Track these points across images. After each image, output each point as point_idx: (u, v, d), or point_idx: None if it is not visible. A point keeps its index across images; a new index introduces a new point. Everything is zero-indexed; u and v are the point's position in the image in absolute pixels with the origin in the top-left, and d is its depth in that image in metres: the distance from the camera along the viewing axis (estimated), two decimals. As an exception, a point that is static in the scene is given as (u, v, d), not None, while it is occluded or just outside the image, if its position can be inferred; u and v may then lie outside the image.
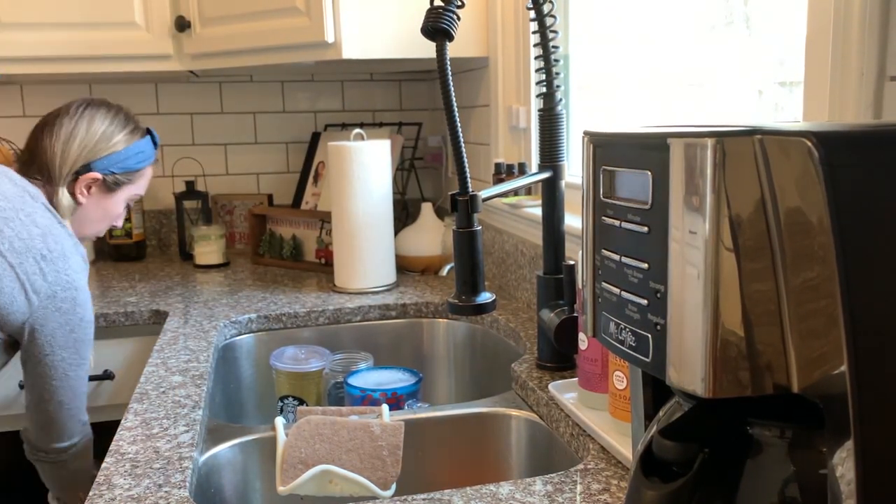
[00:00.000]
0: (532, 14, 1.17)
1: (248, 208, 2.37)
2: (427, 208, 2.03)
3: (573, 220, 1.35)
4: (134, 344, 1.73)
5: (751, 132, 0.48)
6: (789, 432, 0.54)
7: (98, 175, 1.44)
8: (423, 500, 0.87)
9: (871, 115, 0.77)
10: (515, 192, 1.63)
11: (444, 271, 1.85)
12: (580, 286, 1.10)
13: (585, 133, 0.63)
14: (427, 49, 0.89)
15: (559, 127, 1.22)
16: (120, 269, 2.20)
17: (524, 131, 1.75)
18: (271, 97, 2.44)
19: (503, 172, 1.69)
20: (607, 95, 1.59)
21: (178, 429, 1.08)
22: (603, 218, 0.60)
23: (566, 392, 1.13)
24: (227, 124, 2.43)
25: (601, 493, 0.87)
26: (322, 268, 2.08)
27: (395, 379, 1.36)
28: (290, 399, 1.45)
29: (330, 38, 1.72)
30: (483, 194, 1.00)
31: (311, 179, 2.34)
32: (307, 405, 1.45)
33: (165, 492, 0.90)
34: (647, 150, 0.55)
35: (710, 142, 0.48)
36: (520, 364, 1.30)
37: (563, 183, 1.24)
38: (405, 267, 1.98)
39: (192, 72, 2.09)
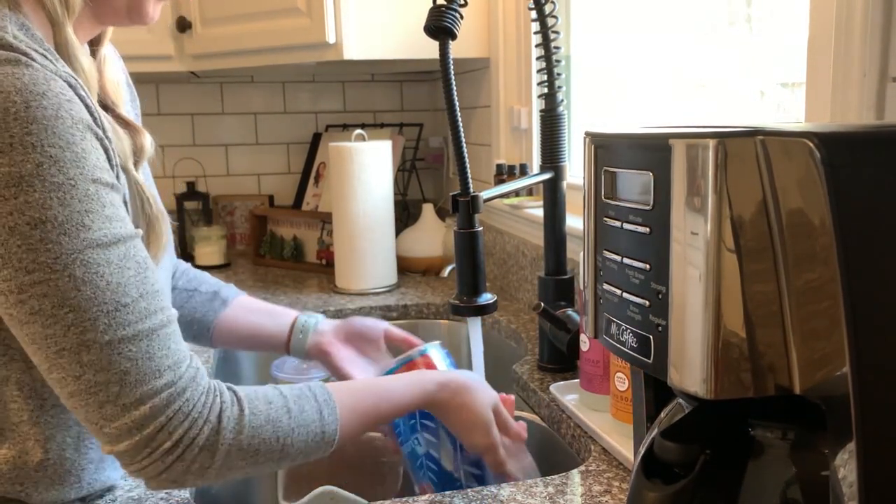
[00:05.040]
0: (533, 14, 1.17)
1: (249, 209, 2.37)
2: (428, 209, 2.03)
3: (574, 221, 1.35)
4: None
5: (752, 133, 0.48)
6: (791, 434, 0.54)
7: None
8: (425, 501, 0.87)
9: (874, 116, 0.77)
10: (517, 193, 1.63)
11: (446, 272, 1.85)
12: (581, 287, 1.10)
13: (587, 134, 0.63)
14: (428, 50, 0.89)
15: (560, 128, 1.22)
16: (121, 269, 2.20)
17: (525, 132, 1.75)
18: (272, 98, 2.44)
19: (504, 173, 1.68)
20: (609, 96, 1.59)
21: (178, 430, 1.08)
22: (604, 219, 0.60)
23: (567, 393, 1.12)
24: (228, 125, 2.43)
25: (603, 495, 0.87)
26: (323, 269, 2.08)
27: None
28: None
29: (331, 39, 1.72)
30: (484, 195, 1.00)
31: (311, 180, 2.34)
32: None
33: (167, 493, 0.90)
34: (649, 151, 0.55)
35: (711, 142, 0.48)
36: (521, 365, 1.30)
37: (564, 184, 1.23)
38: (406, 268, 1.97)
39: (193, 72, 2.09)
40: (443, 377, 0.92)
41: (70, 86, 0.69)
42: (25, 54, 0.67)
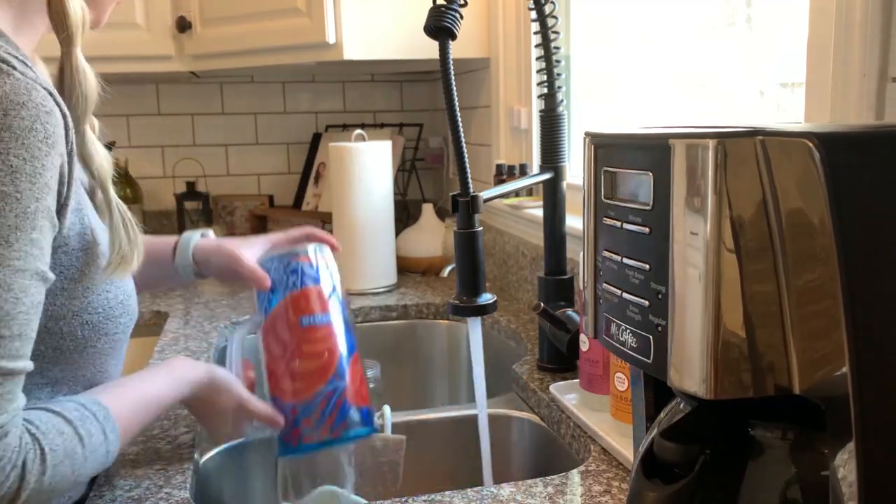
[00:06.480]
0: (533, 14, 1.17)
1: (249, 209, 2.37)
2: (428, 209, 2.03)
3: (574, 222, 1.35)
4: (134, 345, 1.72)
5: (752, 133, 0.48)
6: (791, 434, 0.54)
7: None
8: (424, 501, 0.87)
9: (873, 117, 0.77)
10: (516, 193, 1.63)
11: (445, 272, 1.85)
12: (581, 287, 1.10)
13: (587, 134, 0.63)
14: (428, 50, 0.90)
15: (560, 128, 1.22)
16: (121, 269, 2.20)
17: (525, 132, 1.75)
18: (272, 98, 2.43)
19: (504, 173, 1.68)
20: (608, 96, 1.59)
21: (178, 430, 1.08)
22: (604, 219, 0.60)
23: (567, 393, 1.12)
24: (227, 125, 2.42)
25: (602, 495, 0.87)
26: (323, 269, 2.08)
27: None
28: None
29: (331, 39, 1.72)
30: (484, 195, 1.00)
31: (311, 180, 2.34)
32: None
33: (166, 493, 0.90)
34: (649, 151, 0.55)
35: (711, 143, 0.48)
36: (521, 365, 1.30)
37: (564, 184, 1.23)
38: (406, 268, 1.97)
39: (192, 72, 2.09)
40: (198, 377, 0.90)
41: (50, 94, 0.69)
42: (5, 62, 0.68)
